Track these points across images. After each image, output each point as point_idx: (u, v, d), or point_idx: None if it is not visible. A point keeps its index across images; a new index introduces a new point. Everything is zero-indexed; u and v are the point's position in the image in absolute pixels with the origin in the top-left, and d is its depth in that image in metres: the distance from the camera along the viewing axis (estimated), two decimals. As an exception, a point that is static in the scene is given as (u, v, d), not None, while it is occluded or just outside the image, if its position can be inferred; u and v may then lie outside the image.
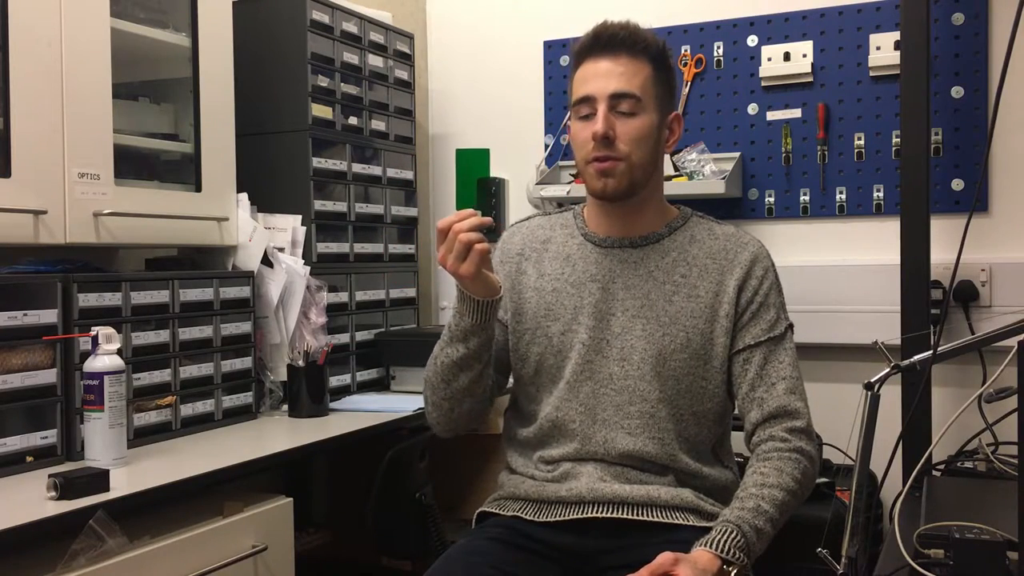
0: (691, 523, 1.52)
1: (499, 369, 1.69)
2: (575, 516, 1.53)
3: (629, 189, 1.57)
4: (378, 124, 2.45)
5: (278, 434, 1.94)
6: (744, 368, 1.57)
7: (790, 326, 1.62)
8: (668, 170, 2.48)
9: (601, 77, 1.56)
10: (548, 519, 1.54)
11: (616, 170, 1.55)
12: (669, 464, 1.56)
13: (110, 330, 1.59)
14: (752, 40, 2.52)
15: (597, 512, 1.52)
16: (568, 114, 1.67)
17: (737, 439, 2.35)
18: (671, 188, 2.39)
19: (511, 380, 1.74)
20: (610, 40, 1.57)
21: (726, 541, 1.36)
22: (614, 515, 1.52)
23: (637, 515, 1.52)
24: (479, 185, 2.83)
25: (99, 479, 1.41)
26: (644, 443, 1.55)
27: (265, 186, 2.18)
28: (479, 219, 1.47)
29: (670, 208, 1.69)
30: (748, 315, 1.58)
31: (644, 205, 1.63)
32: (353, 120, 2.35)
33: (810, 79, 2.45)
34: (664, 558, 1.31)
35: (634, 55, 1.57)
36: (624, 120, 1.55)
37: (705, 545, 1.36)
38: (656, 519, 1.52)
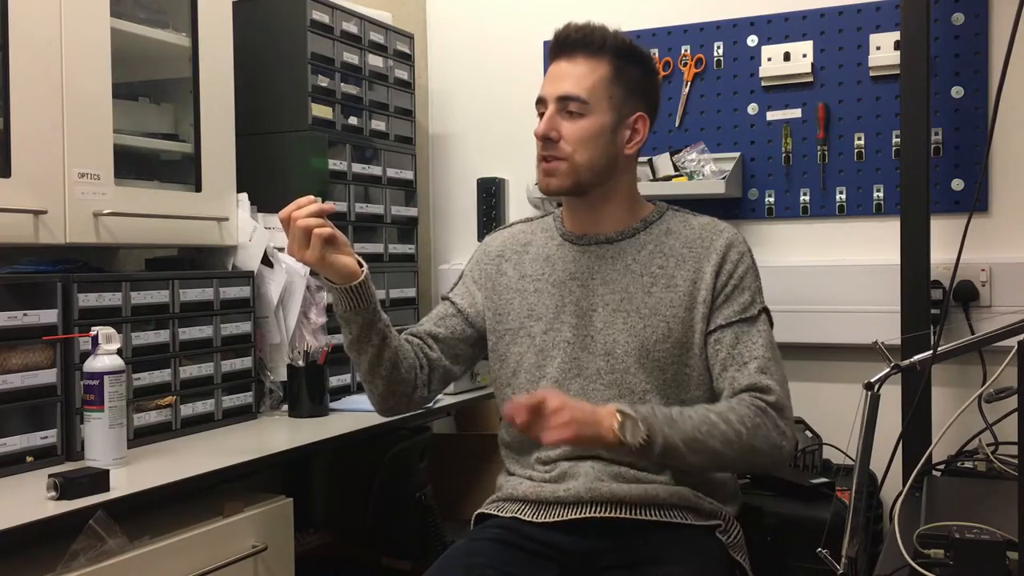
0: (689, 521, 1.53)
1: (451, 358, 1.71)
2: (573, 516, 1.53)
3: (574, 188, 1.61)
4: (378, 124, 2.45)
5: (278, 434, 1.94)
6: (716, 349, 1.58)
7: (765, 310, 1.62)
8: (668, 170, 2.48)
9: (554, 79, 1.61)
10: (546, 519, 1.55)
11: (559, 169, 1.60)
12: None
13: (110, 330, 1.59)
14: (752, 40, 2.52)
15: (595, 512, 1.52)
16: None
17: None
18: (671, 188, 2.40)
19: (490, 387, 1.78)
20: (564, 42, 1.61)
21: (634, 410, 1.39)
22: (612, 515, 1.52)
23: (635, 514, 1.52)
24: (479, 185, 2.83)
25: (99, 479, 1.42)
26: None
27: (265, 186, 2.18)
28: (319, 205, 1.48)
29: (645, 204, 1.71)
30: (722, 297, 1.59)
31: (610, 202, 1.64)
32: (353, 120, 2.35)
33: (810, 79, 2.45)
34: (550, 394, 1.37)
35: (591, 55, 1.59)
36: (570, 122, 1.58)
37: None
38: (654, 518, 1.52)
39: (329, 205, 1.51)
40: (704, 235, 1.63)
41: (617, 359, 1.58)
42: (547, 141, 1.59)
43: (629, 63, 1.62)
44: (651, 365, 1.57)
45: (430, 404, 1.89)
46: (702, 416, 1.46)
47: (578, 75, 1.58)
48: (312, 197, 1.50)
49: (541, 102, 1.62)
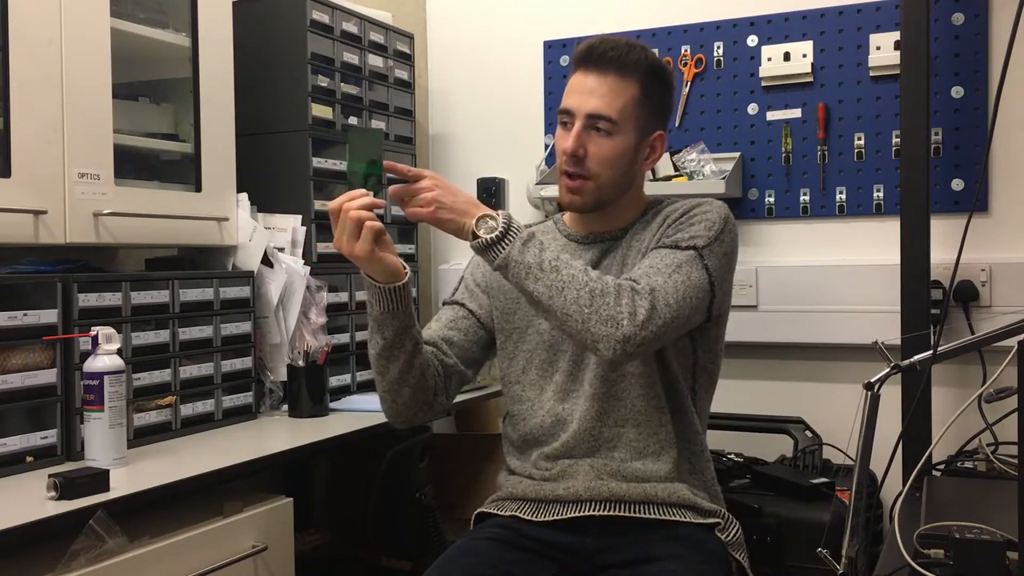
0: (689, 519, 1.53)
1: (466, 362, 1.67)
2: (572, 515, 1.53)
3: (596, 206, 1.61)
4: (378, 124, 2.44)
5: (278, 434, 1.94)
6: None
7: (696, 251, 1.52)
8: (668, 170, 2.48)
9: (584, 93, 1.57)
10: (546, 518, 1.55)
11: (584, 189, 1.59)
12: (666, 409, 1.57)
13: (110, 330, 1.59)
14: (752, 40, 2.52)
15: (594, 511, 1.52)
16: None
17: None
18: (671, 188, 2.40)
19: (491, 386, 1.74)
20: (600, 57, 1.57)
21: (503, 217, 1.43)
22: (611, 513, 1.52)
23: (634, 513, 1.52)
24: (479, 185, 2.83)
25: (99, 479, 1.41)
26: (635, 401, 1.56)
27: (265, 186, 2.18)
28: (370, 199, 1.45)
29: (647, 198, 1.71)
30: (663, 236, 1.57)
31: (619, 206, 1.65)
32: (353, 120, 2.35)
33: (810, 79, 2.45)
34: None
35: (623, 75, 1.57)
36: (598, 140, 1.57)
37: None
38: (653, 516, 1.52)
39: (380, 201, 1.47)
40: (683, 204, 1.63)
41: None
42: (574, 158, 1.57)
43: (656, 83, 1.61)
44: None
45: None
46: (560, 255, 1.44)
47: (609, 93, 1.56)
48: (363, 191, 1.47)
49: (567, 114, 1.59)
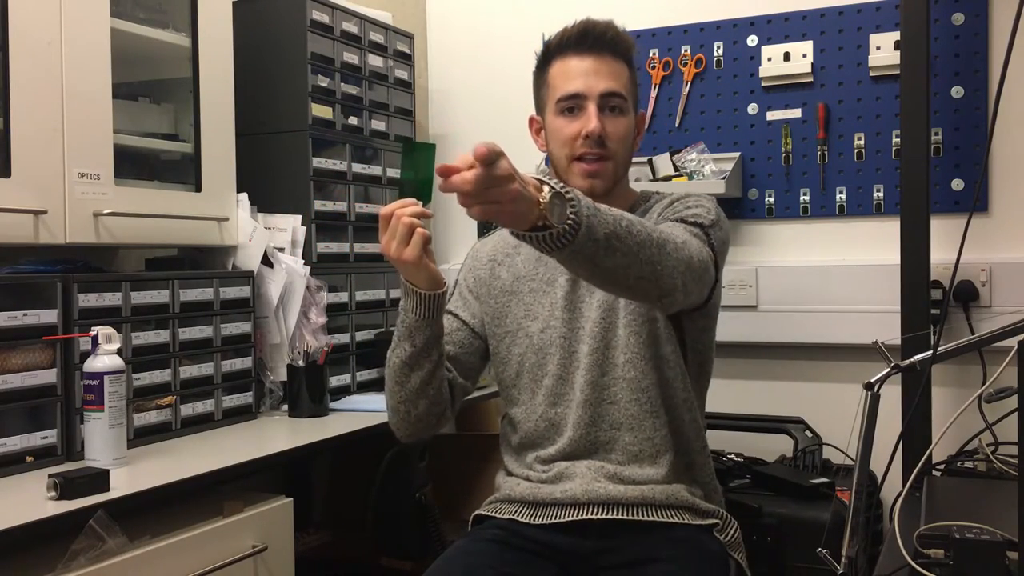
0: (687, 521, 1.53)
1: (464, 374, 1.67)
2: (570, 518, 1.53)
3: (611, 187, 1.61)
4: (378, 124, 2.45)
5: (278, 434, 1.94)
6: None
7: (702, 228, 1.51)
8: (668, 170, 2.48)
9: (590, 75, 1.58)
10: (544, 521, 1.55)
11: (604, 171, 1.59)
12: (660, 412, 1.57)
13: (110, 330, 1.59)
14: (752, 40, 2.52)
15: (592, 513, 1.52)
16: (536, 110, 1.70)
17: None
18: (671, 188, 2.39)
19: (490, 386, 1.74)
20: (598, 40, 1.59)
21: (564, 189, 1.12)
22: (609, 516, 1.52)
23: (632, 515, 1.52)
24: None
25: (99, 479, 1.41)
26: (628, 405, 1.57)
27: (265, 186, 2.18)
28: (420, 209, 1.45)
29: (633, 192, 1.72)
30: (660, 218, 1.57)
31: (613, 197, 1.64)
32: (353, 120, 2.35)
33: (810, 79, 2.45)
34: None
35: (616, 56, 1.60)
36: (612, 119, 1.58)
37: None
38: (652, 518, 1.52)
39: (428, 211, 1.47)
40: (672, 194, 1.65)
41: (606, 341, 1.58)
42: (598, 140, 1.56)
43: (633, 65, 1.65)
44: (633, 340, 1.57)
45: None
46: (633, 220, 1.24)
47: (612, 73, 1.58)
48: (414, 200, 1.46)
49: (573, 99, 1.58)
